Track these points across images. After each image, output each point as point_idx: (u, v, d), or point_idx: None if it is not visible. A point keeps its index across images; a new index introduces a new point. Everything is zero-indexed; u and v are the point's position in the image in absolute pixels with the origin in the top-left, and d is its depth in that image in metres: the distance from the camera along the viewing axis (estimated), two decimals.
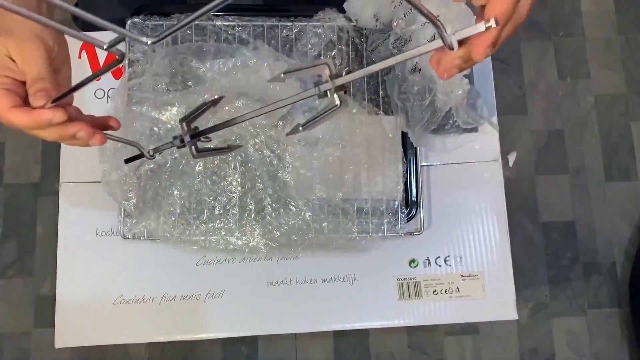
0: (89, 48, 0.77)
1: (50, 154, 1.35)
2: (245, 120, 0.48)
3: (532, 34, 1.44)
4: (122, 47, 0.72)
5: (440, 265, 0.74)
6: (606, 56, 1.43)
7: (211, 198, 0.70)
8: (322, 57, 0.75)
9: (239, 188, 0.70)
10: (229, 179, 0.70)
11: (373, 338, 1.27)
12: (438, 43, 0.39)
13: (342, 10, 0.74)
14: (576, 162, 1.39)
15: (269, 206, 0.70)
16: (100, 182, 0.70)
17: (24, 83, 0.45)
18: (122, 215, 0.71)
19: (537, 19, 1.45)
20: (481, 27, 0.39)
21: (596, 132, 1.40)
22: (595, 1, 1.46)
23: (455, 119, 0.68)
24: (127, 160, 0.53)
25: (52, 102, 0.43)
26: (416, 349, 1.29)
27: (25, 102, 0.45)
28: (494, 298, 0.74)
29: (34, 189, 1.33)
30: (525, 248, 1.34)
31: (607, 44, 1.44)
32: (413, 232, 0.73)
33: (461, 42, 0.40)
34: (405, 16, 0.68)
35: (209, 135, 0.50)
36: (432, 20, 0.37)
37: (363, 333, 1.26)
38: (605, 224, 1.36)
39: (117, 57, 0.39)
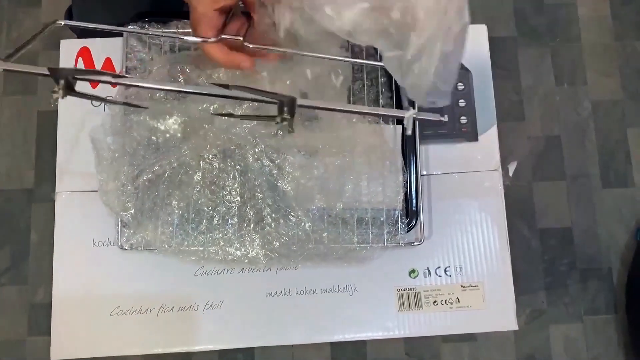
0: (86, 55, 0.76)
1: (44, 159, 1.34)
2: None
3: (529, 40, 1.44)
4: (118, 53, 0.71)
5: (440, 276, 0.74)
6: (603, 62, 1.44)
7: (210, 208, 0.69)
8: None
9: (238, 198, 0.69)
10: (228, 189, 0.69)
11: (370, 345, 1.27)
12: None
13: None
14: (573, 168, 1.39)
15: (268, 216, 0.69)
16: (97, 191, 0.70)
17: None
18: (120, 225, 0.70)
19: (535, 25, 1.45)
20: None
21: (593, 138, 1.40)
22: (592, 7, 1.46)
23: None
24: None
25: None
26: (413, 356, 1.28)
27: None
28: (494, 308, 0.73)
29: (28, 195, 1.32)
30: (522, 254, 1.34)
31: (604, 50, 1.44)
32: (413, 242, 0.72)
33: None
34: None
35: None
36: None
37: (360, 341, 1.26)
38: (602, 230, 1.37)
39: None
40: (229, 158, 0.70)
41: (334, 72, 0.67)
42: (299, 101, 0.46)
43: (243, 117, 0.64)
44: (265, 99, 0.48)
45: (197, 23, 0.55)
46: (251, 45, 0.58)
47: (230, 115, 0.63)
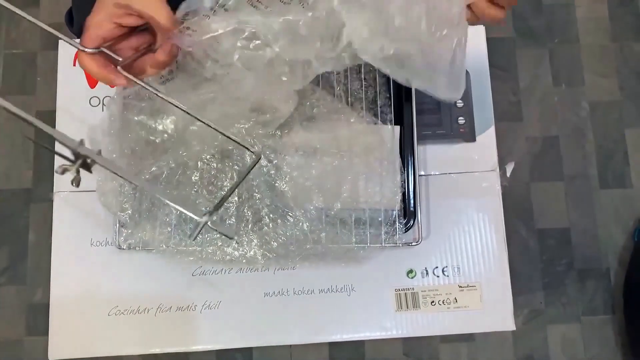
0: None
1: (42, 159, 1.34)
2: None
3: (527, 41, 1.45)
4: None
5: (438, 276, 0.74)
6: (601, 63, 1.44)
7: (207, 208, 0.69)
8: None
9: (236, 198, 0.70)
10: (226, 189, 0.70)
11: (368, 345, 1.27)
12: None
13: None
14: (571, 168, 1.39)
15: (266, 216, 0.69)
16: (95, 191, 0.70)
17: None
18: (118, 225, 0.70)
19: (533, 25, 1.45)
20: None
21: (591, 138, 1.41)
22: (590, 9, 1.46)
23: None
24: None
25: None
26: (412, 356, 1.28)
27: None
28: (491, 308, 0.73)
29: (26, 195, 1.32)
30: (520, 255, 1.35)
31: (602, 51, 1.45)
32: (411, 243, 0.72)
33: None
34: None
35: None
36: None
37: (359, 341, 1.26)
38: (600, 230, 1.37)
39: None
40: (227, 158, 0.70)
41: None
42: (96, 158, 0.46)
43: (48, 149, 0.56)
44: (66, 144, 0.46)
45: (87, 28, 0.49)
46: (128, 77, 0.50)
47: (45, 147, 0.57)
